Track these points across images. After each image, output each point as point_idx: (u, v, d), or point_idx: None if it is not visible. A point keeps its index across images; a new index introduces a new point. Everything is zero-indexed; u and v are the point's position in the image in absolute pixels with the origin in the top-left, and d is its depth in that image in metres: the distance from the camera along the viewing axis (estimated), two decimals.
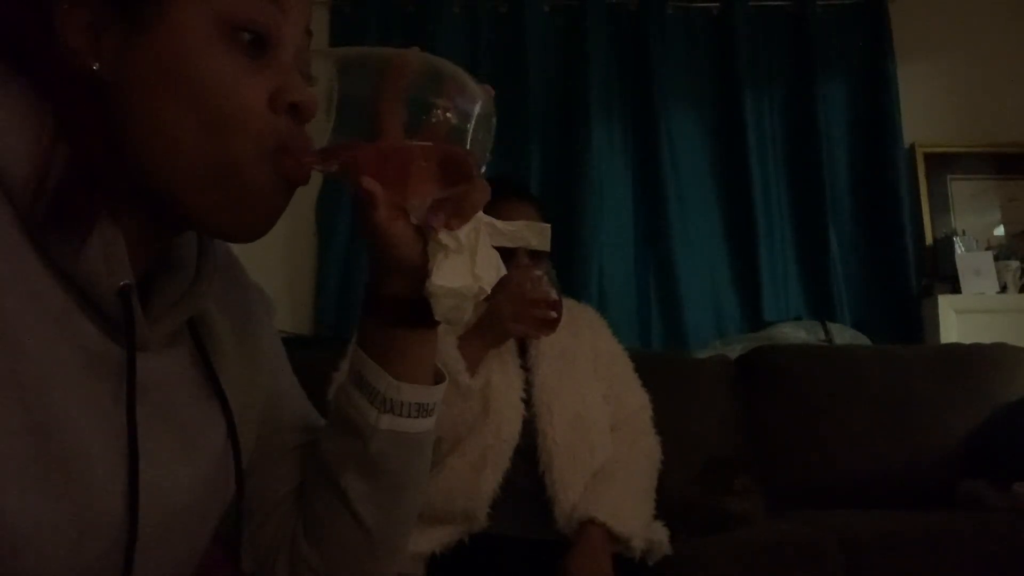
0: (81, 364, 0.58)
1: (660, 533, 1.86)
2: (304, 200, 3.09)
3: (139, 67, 0.59)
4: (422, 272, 0.69)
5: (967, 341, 2.81)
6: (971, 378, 2.60)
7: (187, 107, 0.59)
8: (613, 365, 2.02)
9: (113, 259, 0.59)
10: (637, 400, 2.01)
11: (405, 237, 0.69)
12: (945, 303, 3.07)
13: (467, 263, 0.69)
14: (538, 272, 1.78)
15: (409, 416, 0.74)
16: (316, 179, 2.72)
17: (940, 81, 3.43)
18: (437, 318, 0.71)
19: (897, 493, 2.39)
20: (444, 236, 0.68)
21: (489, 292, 0.70)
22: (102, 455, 0.59)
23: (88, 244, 0.58)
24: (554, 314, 1.77)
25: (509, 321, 1.75)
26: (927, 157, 3.38)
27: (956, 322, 3.05)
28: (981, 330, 2.94)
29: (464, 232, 0.69)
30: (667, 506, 1.94)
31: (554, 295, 1.78)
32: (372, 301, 0.74)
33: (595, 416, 1.89)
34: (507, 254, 1.91)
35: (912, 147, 3.38)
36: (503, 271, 0.72)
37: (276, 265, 3.10)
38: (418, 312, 0.71)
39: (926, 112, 3.39)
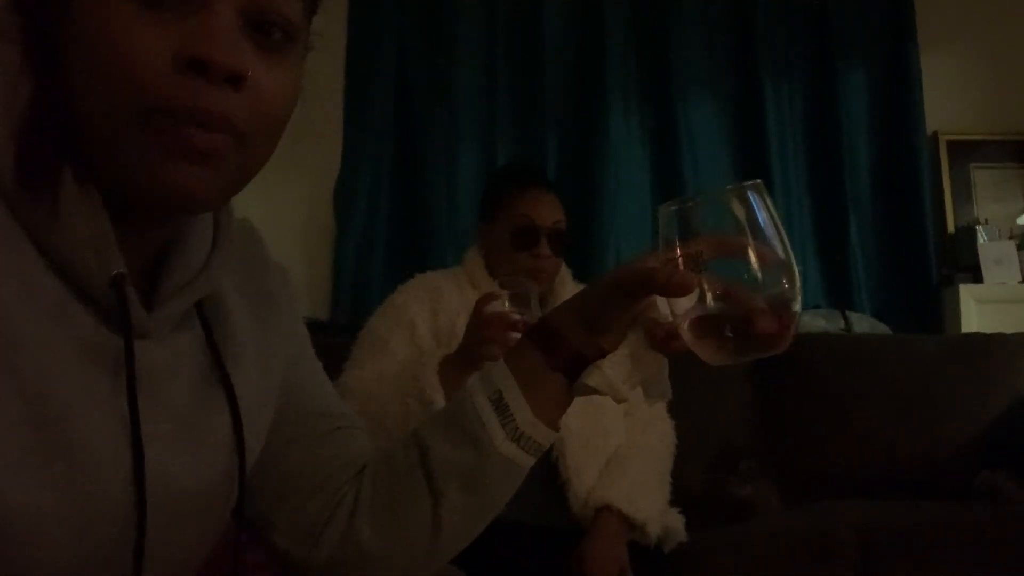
0: (78, 354, 0.58)
1: (675, 520, 1.86)
2: (322, 186, 3.10)
3: (63, 25, 0.58)
4: (610, 348, 0.73)
5: (988, 331, 2.78)
6: (992, 368, 2.58)
7: (85, 63, 0.57)
8: None
9: (103, 249, 0.58)
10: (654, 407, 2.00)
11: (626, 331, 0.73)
12: (966, 293, 3.05)
13: (637, 372, 0.73)
14: (504, 293, 1.68)
15: (527, 452, 0.75)
16: (334, 164, 2.69)
17: (963, 68, 3.39)
18: (577, 383, 0.74)
19: (915, 484, 2.38)
20: (646, 350, 0.72)
21: (624, 399, 0.74)
22: (105, 444, 0.58)
23: (75, 231, 0.57)
24: (515, 335, 1.59)
25: (475, 345, 1.64)
26: (950, 145, 3.35)
27: (977, 312, 3.03)
28: (1003, 320, 2.91)
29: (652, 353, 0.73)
30: (674, 492, 1.94)
31: (516, 316, 1.64)
32: (549, 338, 0.74)
33: (608, 401, 1.88)
34: (531, 240, 1.84)
35: (935, 135, 3.34)
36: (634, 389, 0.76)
37: (294, 250, 3.11)
38: (581, 367, 0.74)
39: (949, 99, 3.36)
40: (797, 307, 0.66)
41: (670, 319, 0.70)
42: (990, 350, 2.63)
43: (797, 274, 0.66)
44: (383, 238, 3.08)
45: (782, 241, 0.66)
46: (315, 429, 0.81)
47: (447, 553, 0.79)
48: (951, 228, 3.29)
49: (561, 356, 0.73)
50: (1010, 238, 3.21)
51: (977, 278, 3.09)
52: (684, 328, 0.68)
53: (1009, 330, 2.72)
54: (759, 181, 0.68)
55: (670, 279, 0.66)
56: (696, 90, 3.28)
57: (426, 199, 3.09)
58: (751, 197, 0.67)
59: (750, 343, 0.66)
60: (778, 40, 3.32)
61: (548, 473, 1.79)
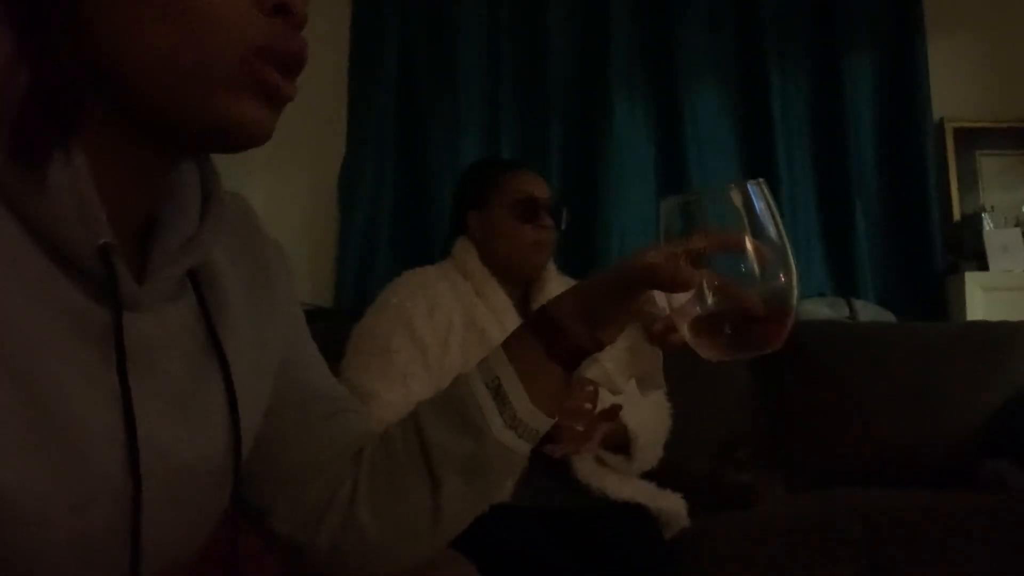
0: (67, 329, 0.57)
1: (677, 504, 1.87)
2: (326, 173, 3.09)
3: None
4: (608, 341, 0.73)
5: (994, 319, 2.77)
6: (997, 356, 2.58)
7: (162, 10, 0.57)
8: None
9: (89, 218, 0.57)
10: None
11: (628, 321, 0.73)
12: (972, 280, 3.04)
13: (634, 365, 0.74)
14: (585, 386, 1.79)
15: (525, 439, 0.75)
16: (338, 152, 2.70)
17: (970, 55, 3.37)
18: (575, 375, 0.75)
19: (919, 472, 2.38)
20: (643, 344, 0.73)
21: (619, 391, 0.76)
22: (97, 420, 0.58)
23: (60, 201, 0.56)
24: (580, 428, 1.74)
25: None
26: (956, 132, 3.33)
27: (983, 300, 3.02)
28: (1008, 308, 2.90)
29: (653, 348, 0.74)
30: (675, 478, 1.95)
31: (587, 406, 1.76)
32: (549, 327, 0.74)
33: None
34: (534, 212, 1.89)
35: (941, 122, 3.33)
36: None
37: (298, 237, 3.10)
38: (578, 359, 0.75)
39: (955, 86, 3.34)
40: (794, 304, 0.67)
41: (667, 312, 0.71)
42: (995, 338, 2.63)
43: (795, 272, 0.67)
44: (387, 225, 3.07)
45: (782, 239, 0.67)
46: (313, 412, 0.81)
47: (446, 537, 0.80)
48: (957, 216, 3.28)
49: (560, 348, 0.73)
50: (1016, 225, 3.19)
51: (983, 266, 3.08)
52: (682, 325, 0.69)
53: (1015, 318, 2.71)
54: (761, 179, 0.69)
55: (674, 276, 0.66)
56: (701, 79, 3.26)
57: (430, 187, 3.08)
58: (753, 194, 0.68)
59: (746, 342, 0.67)
60: (783, 28, 3.29)
61: (549, 456, 1.81)
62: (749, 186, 0.68)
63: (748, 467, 2.20)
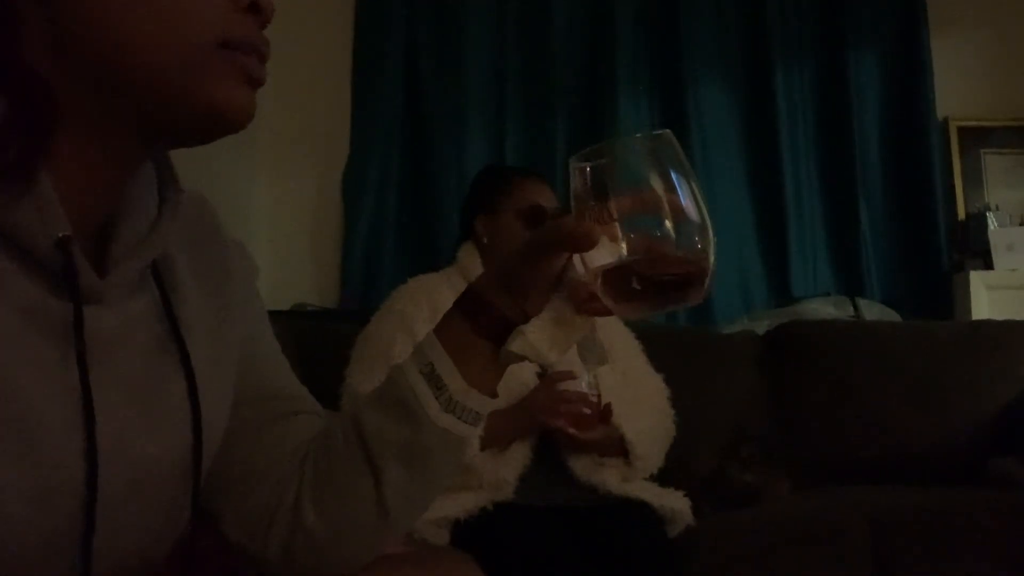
0: (23, 324, 0.57)
1: (681, 503, 1.87)
2: (331, 174, 3.10)
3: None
4: (535, 312, 0.72)
5: (999, 318, 2.77)
6: (1002, 355, 2.57)
7: (142, 19, 0.58)
8: (625, 350, 2.07)
9: (47, 211, 0.57)
10: (652, 382, 2.05)
11: (554, 286, 0.71)
12: (977, 279, 3.03)
13: (564, 337, 0.71)
14: (577, 373, 1.81)
15: (465, 421, 0.74)
16: (342, 152, 2.71)
17: (975, 53, 3.37)
18: (502, 350, 0.73)
19: (926, 470, 2.38)
20: (571, 314, 0.71)
21: (550, 363, 0.73)
22: (56, 413, 0.58)
23: (17, 197, 0.56)
24: (587, 411, 1.79)
25: (541, 412, 1.78)
26: (960, 131, 3.33)
27: (988, 298, 3.02)
28: (1013, 306, 2.90)
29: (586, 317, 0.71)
30: (680, 477, 1.95)
31: (592, 395, 1.81)
32: (474, 304, 0.74)
33: (607, 382, 1.91)
34: (541, 221, 1.92)
35: (945, 120, 3.32)
36: (604, 362, 0.76)
37: (302, 239, 3.11)
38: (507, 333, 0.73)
39: (960, 85, 3.34)
40: (710, 256, 0.66)
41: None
42: (1000, 337, 2.63)
43: (709, 223, 0.65)
44: (392, 226, 3.08)
45: (692, 191, 0.65)
46: (266, 412, 0.80)
47: (396, 531, 0.78)
48: (961, 214, 3.28)
49: (486, 323, 0.73)
50: (1021, 224, 3.20)
51: (988, 264, 3.08)
52: (597, 284, 0.67)
53: (1020, 316, 2.71)
54: (668, 131, 0.66)
55: (574, 230, 0.65)
56: (707, 76, 3.27)
57: (435, 187, 3.08)
58: (663, 149, 0.65)
59: (663, 294, 0.66)
60: (789, 26, 3.30)
61: (555, 454, 1.83)
62: (659, 142, 0.66)
63: (753, 465, 2.19)
